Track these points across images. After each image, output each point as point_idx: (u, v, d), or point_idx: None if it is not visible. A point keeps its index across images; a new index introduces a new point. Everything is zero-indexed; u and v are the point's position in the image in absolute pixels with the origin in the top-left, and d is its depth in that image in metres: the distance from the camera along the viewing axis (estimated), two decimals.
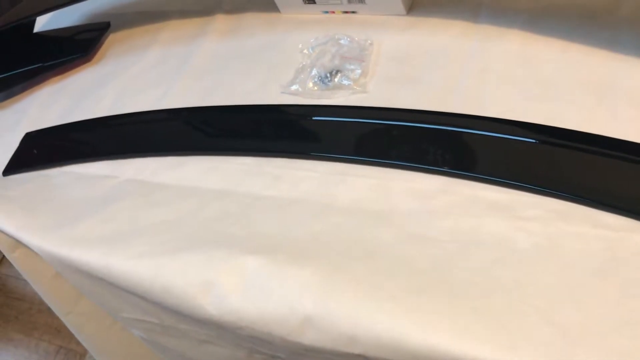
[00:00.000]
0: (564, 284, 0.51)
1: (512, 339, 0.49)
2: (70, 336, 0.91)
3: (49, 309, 0.85)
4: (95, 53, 0.96)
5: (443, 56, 0.73)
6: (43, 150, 0.86)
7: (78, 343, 0.93)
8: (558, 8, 0.72)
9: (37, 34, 1.02)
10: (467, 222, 0.58)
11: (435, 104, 0.68)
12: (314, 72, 0.76)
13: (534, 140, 0.63)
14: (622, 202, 0.55)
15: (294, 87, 0.76)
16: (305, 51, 0.79)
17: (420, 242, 0.58)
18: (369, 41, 0.77)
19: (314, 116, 0.74)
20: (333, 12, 0.83)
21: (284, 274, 0.58)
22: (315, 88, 0.75)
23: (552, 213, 0.56)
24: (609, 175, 0.58)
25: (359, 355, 0.54)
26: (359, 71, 0.74)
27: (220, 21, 0.91)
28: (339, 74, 0.74)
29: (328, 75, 0.75)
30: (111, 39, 0.98)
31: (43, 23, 1.05)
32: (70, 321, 0.86)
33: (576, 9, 0.71)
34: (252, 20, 0.89)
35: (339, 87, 0.74)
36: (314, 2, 0.82)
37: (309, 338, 0.55)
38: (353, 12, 0.82)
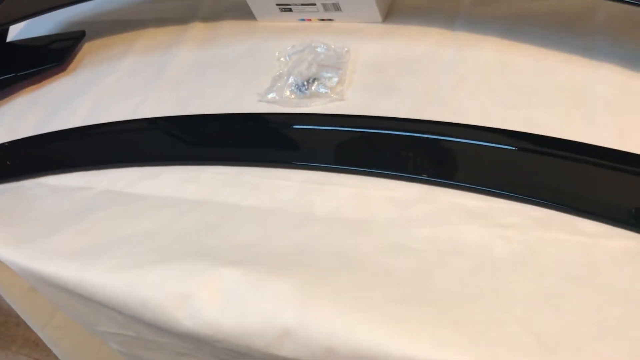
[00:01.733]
0: (543, 292, 0.51)
1: (492, 348, 0.48)
2: (48, 349, 0.89)
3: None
4: (70, 62, 0.94)
5: (420, 64, 0.73)
6: (17, 161, 0.84)
7: (57, 356, 0.92)
8: (534, 16, 0.72)
9: (10, 43, 1.00)
10: (445, 231, 0.58)
11: (413, 111, 0.68)
12: (291, 80, 0.75)
13: (511, 147, 0.63)
14: (599, 208, 0.56)
15: (271, 96, 0.75)
16: (282, 59, 0.79)
17: (399, 251, 0.58)
18: (346, 49, 0.77)
19: (292, 125, 0.73)
20: (310, 20, 0.83)
21: (262, 285, 0.57)
22: (293, 96, 0.74)
23: (530, 220, 0.56)
24: (586, 181, 0.59)
25: None
26: (336, 79, 0.74)
27: (197, 29, 0.90)
28: (316, 82, 0.74)
29: (305, 83, 0.74)
30: (86, 47, 0.96)
31: (16, 32, 1.03)
32: (46, 335, 0.84)
33: (551, 17, 0.71)
34: (228, 28, 0.88)
35: (316, 95, 0.73)
36: (291, 10, 0.82)
37: (288, 350, 0.55)
38: (330, 20, 0.81)
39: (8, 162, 0.84)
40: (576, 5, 0.71)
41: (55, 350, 0.88)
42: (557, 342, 0.48)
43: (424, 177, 0.62)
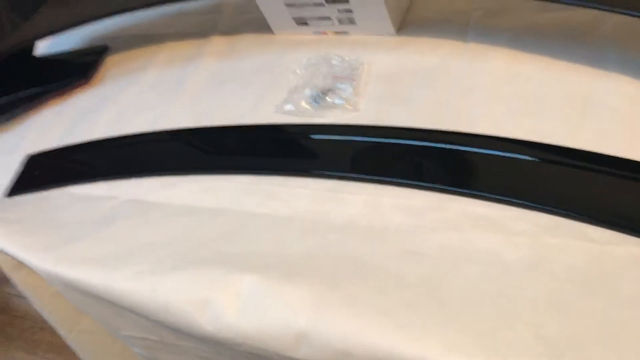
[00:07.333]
0: (551, 297, 0.53)
1: (501, 352, 0.50)
2: (72, 354, 0.92)
3: (51, 327, 0.86)
4: (93, 76, 0.97)
5: (432, 75, 0.74)
6: (44, 172, 0.87)
7: None
8: (542, 27, 0.74)
9: (37, 57, 1.03)
10: (456, 238, 0.59)
11: (425, 122, 0.69)
12: (307, 91, 0.77)
13: (522, 156, 0.64)
14: (607, 216, 0.57)
15: (287, 107, 0.77)
16: (298, 71, 0.81)
17: (412, 258, 0.59)
18: (360, 61, 0.78)
19: (308, 135, 0.75)
20: (325, 33, 0.85)
21: (279, 291, 0.59)
22: (309, 107, 0.76)
23: (539, 227, 0.58)
24: (594, 189, 0.60)
25: None
26: (350, 90, 0.76)
27: (216, 43, 0.92)
28: (331, 94, 0.76)
29: (321, 94, 0.76)
30: (109, 61, 0.99)
31: (43, 47, 1.06)
32: (72, 339, 0.86)
33: (560, 28, 0.73)
34: (246, 41, 0.90)
35: (332, 106, 0.75)
36: (307, 24, 0.84)
37: (304, 353, 0.56)
38: (344, 32, 0.83)
39: (36, 173, 0.87)
40: (584, 17, 0.72)
41: (80, 355, 0.90)
42: (565, 346, 0.49)
43: (437, 185, 0.64)
